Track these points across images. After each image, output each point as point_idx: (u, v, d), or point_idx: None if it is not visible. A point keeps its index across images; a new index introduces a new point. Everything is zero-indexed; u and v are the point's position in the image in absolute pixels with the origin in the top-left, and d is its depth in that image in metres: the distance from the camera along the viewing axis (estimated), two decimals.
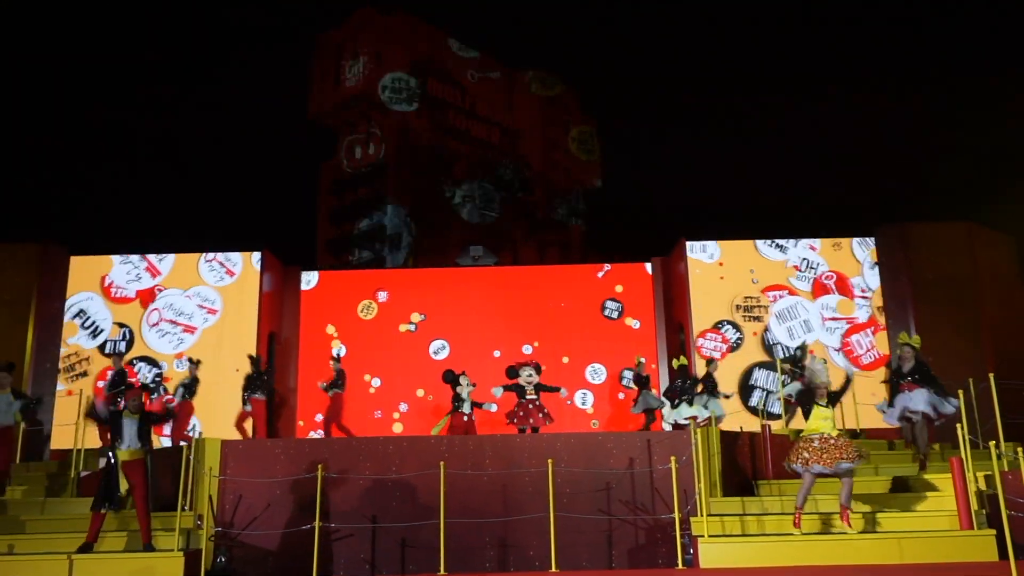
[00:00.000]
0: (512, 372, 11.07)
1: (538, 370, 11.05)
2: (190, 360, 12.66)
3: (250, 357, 12.73)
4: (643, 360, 13.04)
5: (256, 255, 14.48)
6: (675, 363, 12.38)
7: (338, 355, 13.67)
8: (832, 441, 8.13)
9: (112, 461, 8.38)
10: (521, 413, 10.74)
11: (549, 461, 8.63)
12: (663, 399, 12.33)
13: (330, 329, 15.15)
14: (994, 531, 7.98)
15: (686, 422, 11.34)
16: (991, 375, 9.90)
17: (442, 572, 8.22)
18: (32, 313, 13.85)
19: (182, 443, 9.85)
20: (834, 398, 8.43)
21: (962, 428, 8.63)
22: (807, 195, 15.39)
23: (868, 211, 15.30)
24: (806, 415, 8.38)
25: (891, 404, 10.01)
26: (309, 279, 15.49)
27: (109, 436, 8.82)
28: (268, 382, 12.52)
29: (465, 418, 10.94)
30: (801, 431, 8.51)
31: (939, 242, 14.22)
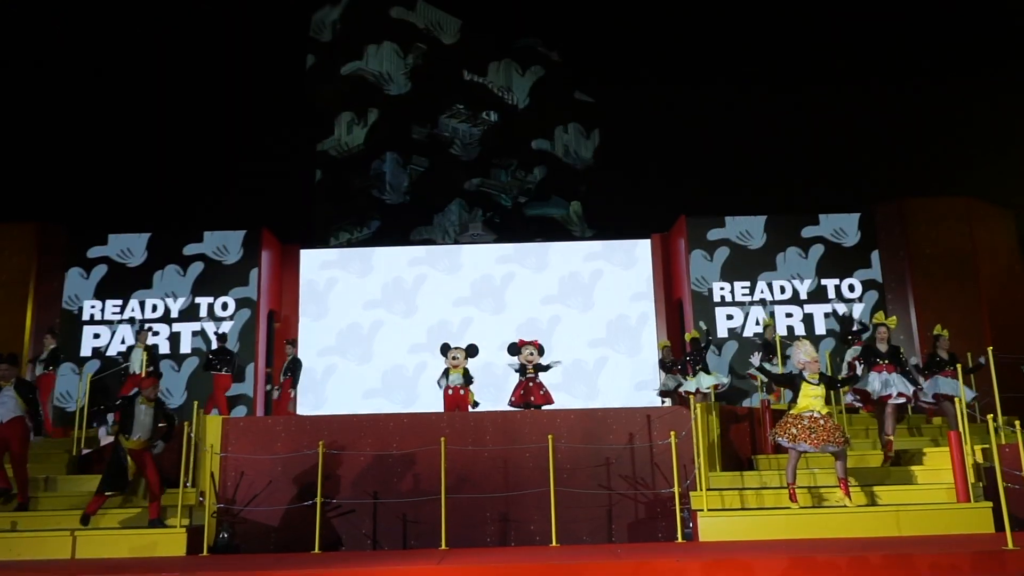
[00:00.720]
0: (513, 350, 11.06)
1: (541, 351, 11.06)
2: (141, 327, 12.84)
3: (216, 335, 12.90)
4: (668, 345, 13.17)
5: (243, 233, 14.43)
6: (688, 336, 12.50)
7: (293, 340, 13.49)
8: (821, 422, 8.23)
9: (119, 448, 8.39)
10: (521, 391, 10.75)
11: (549, 437, 8.67)
12: (680, 377, 12.44)
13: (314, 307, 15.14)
14: (991, 504, 8.05)
15: (708, 391, 11.63)
16: (989, 349, 9.94)
17: (443, 547, 8.28)
18: (31, 293, 13.83)
19: None
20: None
21: (960, 401, 8.68)
22: (803, 170, 15.35)
23: (866, 186, 15.24)
24: (795, 391, 8.47)
25: (862, 376, 9.72)
26: (323, 256, 15.49)
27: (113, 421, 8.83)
28: (231, 359, 12.51)
29: (450, 391, 10.98)
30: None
31: (937, 217, 14.21)
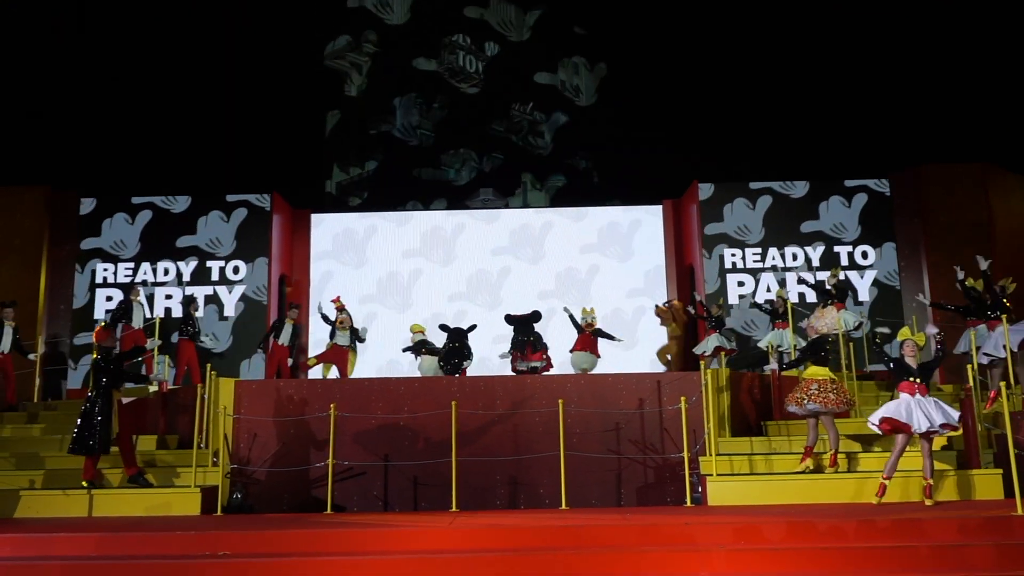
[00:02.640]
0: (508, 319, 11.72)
1: (536, 318, 11.63)
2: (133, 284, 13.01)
3: (185, 299, 13.09)
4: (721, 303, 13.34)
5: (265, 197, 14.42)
6: (779, 294, 12.70)
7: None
8: (821, 385, 8.41)
9: (104, 405, 8.49)
10: (519, 354, 11.32)
11: (560, 401, 8.71)
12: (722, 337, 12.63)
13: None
14: (1000, 470, 8.06)
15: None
16: (1003, 317, 9.87)
17: (454, 509, 8.37)
18: (44, 257, 13.89)
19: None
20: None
21: (972, 369, 8.66)
22: (817, 134, 15.08)
23: (881, 151, 14.95)
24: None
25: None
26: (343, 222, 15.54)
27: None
28: (194, 326, 12.56)
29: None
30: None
31: (953, 183, 14.04)
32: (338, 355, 12.05)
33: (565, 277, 14.99)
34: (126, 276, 14.03)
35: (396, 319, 14.76)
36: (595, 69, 17.19)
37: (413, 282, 15.15)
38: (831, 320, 10.06)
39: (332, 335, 12.17)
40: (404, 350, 11.97)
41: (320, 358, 12.11)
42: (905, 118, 15.28)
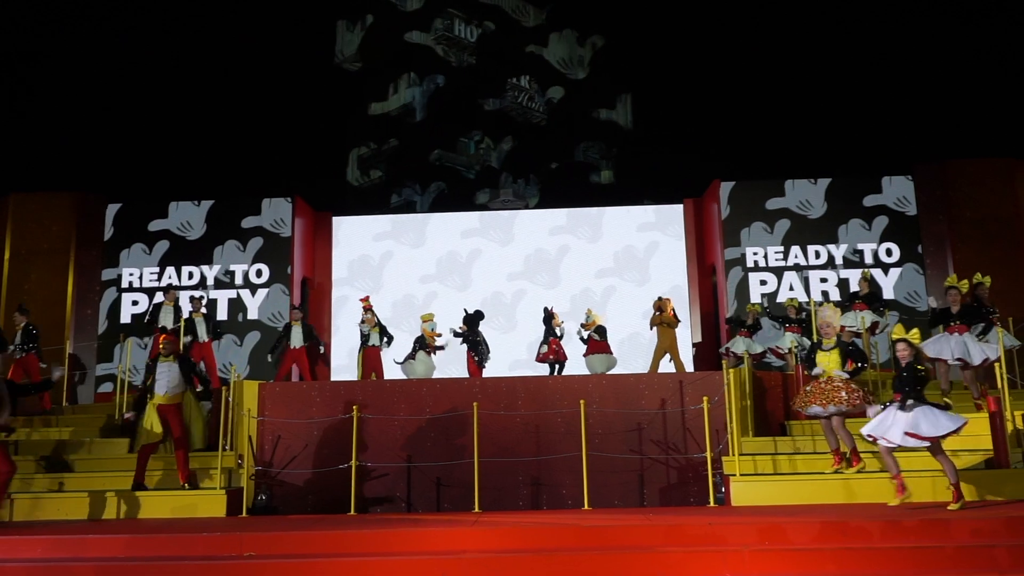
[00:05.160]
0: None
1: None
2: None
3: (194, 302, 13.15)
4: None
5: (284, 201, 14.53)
6: (791, 302, 12.54)
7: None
8: (826, 383, 8.09)
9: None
10: (552, 352, 11.82)
11: (581, 402, 8.71)
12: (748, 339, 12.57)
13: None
14: None
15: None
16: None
17: (476, 510, 8.39)
18: (71, 262, 14.08)
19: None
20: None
21: (1000, 367, 8.55)
22: (840, 130, 14.90)
23: (905, 147, 14.81)
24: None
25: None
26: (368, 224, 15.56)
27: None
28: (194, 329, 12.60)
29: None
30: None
31: (979, 179, 13.87)
32: (373, 360, 12.04)
33: (623, 255, 15.12)
34: (151, 280, 14.17)
35: (456, 298, 14.73)
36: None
37: (472, 262, 15.33)
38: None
39: (365, 338, 12.20)
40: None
41: (365, 373, 11.99)
42: (929, 115, 15.15)
